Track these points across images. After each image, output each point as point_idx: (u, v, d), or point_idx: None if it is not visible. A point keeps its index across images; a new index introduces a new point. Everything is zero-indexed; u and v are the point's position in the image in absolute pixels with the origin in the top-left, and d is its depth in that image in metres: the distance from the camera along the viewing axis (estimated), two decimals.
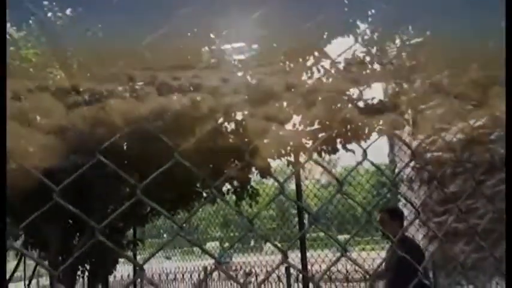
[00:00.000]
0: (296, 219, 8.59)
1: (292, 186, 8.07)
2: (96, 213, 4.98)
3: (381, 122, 4.01)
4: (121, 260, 7.94)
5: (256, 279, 9.41)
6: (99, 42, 3.19)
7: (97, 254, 5.94)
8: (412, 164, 8.06)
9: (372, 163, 1.31)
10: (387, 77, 4.33)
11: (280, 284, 8.49)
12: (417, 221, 7.51)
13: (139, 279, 9.97)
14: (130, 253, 9.44)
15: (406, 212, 7.70)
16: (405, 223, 4.68)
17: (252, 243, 17.79)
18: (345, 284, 7.33)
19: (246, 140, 4.20)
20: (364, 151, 1.24)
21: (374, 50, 4.30)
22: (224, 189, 5.98)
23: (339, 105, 4.01)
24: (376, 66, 4.30)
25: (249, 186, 5.91)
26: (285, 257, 1.06)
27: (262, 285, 8.82)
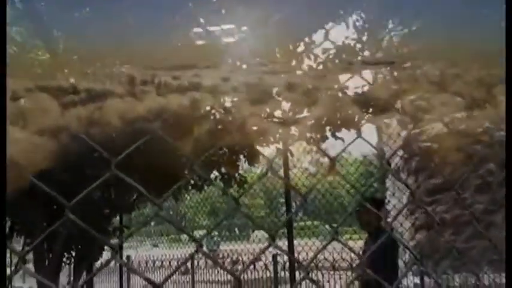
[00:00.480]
0: (284, 208, 8.60)
1: (280, 174, 8.05)
2: (83, 199, 4.92)
3: (370, 110, 3.98)
4: (107, 247, 7.90)
5: (243, 267, 9.43)
6: (87, 23, 3.12)
7: (83, 241, 5.89)
8: (400, 153, 8.09)
9: (366, 141, 1.28)
10: (378, 65, 4.30)
11: (267, 272, 8.51)
12: (405, 210, 7.55)
13: (132, 271, 9.91)
14: (116, 240, 9.39)
15: (394, 202, 7.75)
16: (390, 214, 4.70)
17: (237, 231, 17.85)
18: (332, 272, 7.36)
19: (235, 127, 4.16)
20: (359, 130, 1.22)
21: (365, 38, 4.26)
22: (212, 176, 5.94)
23: (329, 92, 3.97)
24: (367, 53, 4.27)
25: (237, 174, 5.88)
26: (272, 240, 1.03)
27: (250, 274, 8.84)
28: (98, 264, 10.42)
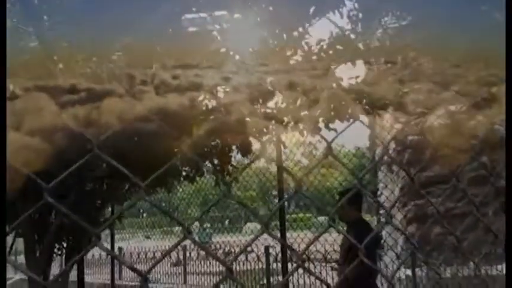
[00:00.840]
0: (276, 200, 8.58)
1: (273, 168, 8.04)
2: (74, 190, 4.89)
3: (364, 102, 3.96)
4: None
5: (235, 259, 9.43)
6: (77, 10, 3.07)
7: (74, 232, 5.85)
8: (393, 146, 8.09)
9: (364, 123, 1.26)
10: (372, 56, 4.28)
11: (260, 263, 8.53)
12: (397, 202, 7.56)
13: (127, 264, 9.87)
14: (107, 231, 9.38)
15: (387, 193, 7.76)
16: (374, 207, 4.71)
17: (227, 223, 17.89)
18: (323, 264, 7.38)
19: (228, 118, 4.12)
20: (356, 115, 1.20)
21: (359, 28, 4.24)
22: (204, 167, 5.92)
23: (323, 85, 3.95)
24: (361, 44, 4.25)
25: (229, 165, 5.84)
26: (266, 227, 1.00)
27: (242, 265, 8.86)
28: (89, 255, 10.40)
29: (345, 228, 4.74)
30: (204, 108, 4.30)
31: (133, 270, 1.08)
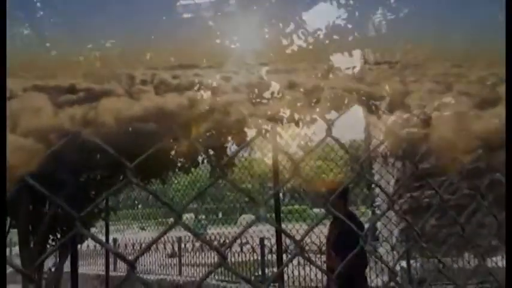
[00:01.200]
0: (271, 192, 8.57)
1: (269, 160, 8.02)
2: (69, 183, 4.86)
3: (361, 92, 3.96)
4: (93, 229, 7.85)
5: (230, 250, 9.45)
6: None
7: (67, 222, 5.83)
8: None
9: (363, 108, 1.24)
10: (368, 46, 4.26)
11: (254, 254, 8.54)
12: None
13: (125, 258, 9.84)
14: (102, 222, 9.34)
15: (382, 185, 7.76)
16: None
17: (220, 215, 17.93)
18: (319, 255, 7.39)
19: (223, 110, 4.10)
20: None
21: (356, 18, 4.22)
22: (199, 158, 5.90)
23: (319, 75, 3.93)
24: (358, 34, 4.23)
25: (224, 156, 5.82)
26: (264, 215, 0.98)
27: (237, 256, 8.87)
28: (84, 246, 10.38)
29: (331, 220, 4.77)
30: (199, 98, 4.27)
31: (120, 257, 1.05)
